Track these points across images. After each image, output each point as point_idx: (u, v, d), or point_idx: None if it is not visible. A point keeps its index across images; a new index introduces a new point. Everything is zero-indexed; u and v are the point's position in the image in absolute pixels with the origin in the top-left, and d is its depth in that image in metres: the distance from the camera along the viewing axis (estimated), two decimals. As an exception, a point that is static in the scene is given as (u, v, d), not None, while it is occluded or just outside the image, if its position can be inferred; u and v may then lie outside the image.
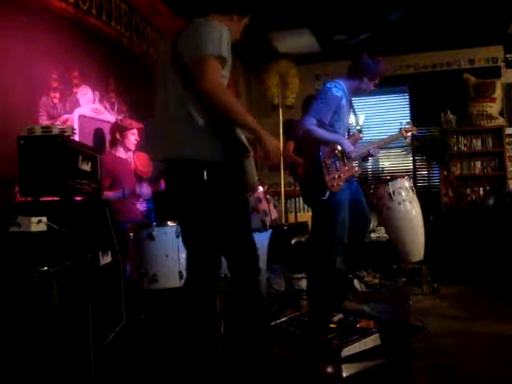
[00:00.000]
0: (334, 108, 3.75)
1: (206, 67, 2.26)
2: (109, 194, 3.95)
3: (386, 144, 4.36)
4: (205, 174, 2.34)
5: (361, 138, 4.05)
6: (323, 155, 3.74)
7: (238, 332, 2.57)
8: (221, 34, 2.33)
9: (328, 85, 3.85)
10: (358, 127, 4.07)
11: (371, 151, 4.11)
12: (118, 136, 4.15)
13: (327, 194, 3.69)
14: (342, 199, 3.79)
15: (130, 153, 4.28)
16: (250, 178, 2.46)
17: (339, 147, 3.78)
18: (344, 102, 3.83)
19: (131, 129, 4.16)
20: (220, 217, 2.42)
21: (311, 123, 3.69)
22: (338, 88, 3.81)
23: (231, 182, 2.41)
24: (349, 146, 3.82)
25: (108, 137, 4.30)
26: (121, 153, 4.20)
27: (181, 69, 2.38)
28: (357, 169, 3.95)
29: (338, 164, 3.79)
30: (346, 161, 3.84)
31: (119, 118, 4.34)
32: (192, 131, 2.36)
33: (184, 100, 2.37)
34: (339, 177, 3.76)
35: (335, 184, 3.73)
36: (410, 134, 4.39)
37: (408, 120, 4.43)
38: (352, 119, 4.09)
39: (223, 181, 2.39)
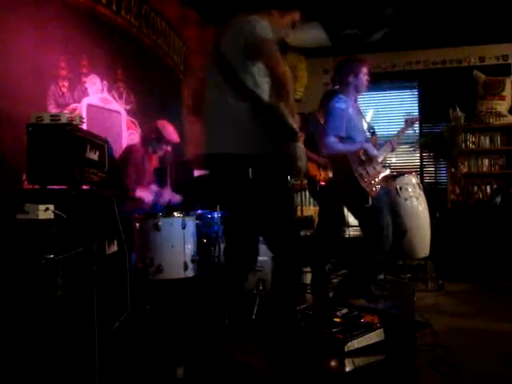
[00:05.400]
0: (345, 119, 3.77)
1: (269, 50, 2.39)
2: (142, 195, 4.10)
3: (401, 137, 4.32)
4: (250, 170, 2.39)
5: (378, 140, 4.05)
6: (355, 166, 3.75)
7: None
8: (263, 23, 2.44)
9: (331, 102, 3.91)
10: (371, 130, 4.07)
11: (393, 145, 4.09)
12: (155, 142, 4.24)
13: (370, 200, 3.70)
14: (382, 202, 3.79)
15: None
16: (300, 162, 2.44)
17: (364, 153, 3.80)
18: (351, 110, 3.85)
19: (169, 142, 4.29)
20: (268, 205, 2.46)
21: (332, 141, 3.72)
22: (341, 100, 3.84)
23: (278, 172, 2.45)
24: (373, 150, 3.84)
25: (131, 125, 4.46)
26: (149, 151, 4.29)
27: (223, 65, 2.44)
28: (386, 170, 3.95)
29: (368, 169, 3.79)
30: (374, 164, 3.84)
31: (161, 121, 4.35)
32: (236, 125, 2.42)
33: (226, 94, 2.44)
34: (374, 181, 3.76)
35: (373, 189, 3.73)
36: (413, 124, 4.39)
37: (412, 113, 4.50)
38: (365, 125, 4.08)
39: (269, 172, 2.43)
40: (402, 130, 4.31)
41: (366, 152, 3.79)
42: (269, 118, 2.38)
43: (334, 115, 3.79)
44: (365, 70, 3.91)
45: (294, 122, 2.40)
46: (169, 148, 4.33)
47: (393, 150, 4.13)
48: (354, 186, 3.72)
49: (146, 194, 4.14)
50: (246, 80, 2.43)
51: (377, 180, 3.78)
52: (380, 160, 3.95)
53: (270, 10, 2.64)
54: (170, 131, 4.29)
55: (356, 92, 3.94)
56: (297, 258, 2.55)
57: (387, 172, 3.96)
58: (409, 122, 4.33)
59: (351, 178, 3.72)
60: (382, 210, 3.77)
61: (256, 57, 2.42)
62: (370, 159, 3.82)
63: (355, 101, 4.00)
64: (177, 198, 4.33)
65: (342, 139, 3.75)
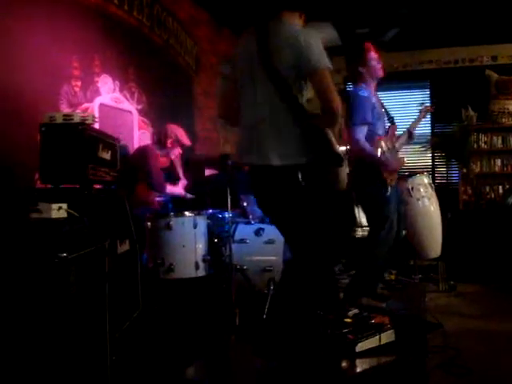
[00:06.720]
0: (370, 106, 3.79)
1: (326, 81, 2.36)
2: (173, 191, 4.29)
3: (416, 126, 4.35)
4: (299, 175, 2.40)
5: (396, 128, 4.10)
6: (377, 155, 3.79)
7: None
8: (321, 45, 2.41)
9: (353, 91, 3.99)
10: (390, 119, 4.12)
11: (412, 132, 4.20)
12: (169, 144, 4.28)
13: (389, 189, 3.75)
14: (393, 195, 3.86)
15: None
16: (341, 183, 2.51)
17: (386, 143, 3.87)
18: (373, 100, 3.88)
19: (183, 145, 4.36)
20: (305, 211, 2.46)
21: (361, 136, 3.73)
22: (362, 88, 3.87)
23: (322, 182, 2.48)
24: (393, 164, 3.83)
25: (142, 125, 4.60)
26: (160, 154, 4.33)
27: (277, 82, 2.41)
28: (403, 159, 4.06)
29: (390, 159, 3.83)
30: (393, 154, 3.91)
31: (171, 125, 4.38)
32: (284, 138, 2.42)
33: (280, 111, 2.43)
34: (393, 170, 3.82)
35: (392, 178, 3.80)
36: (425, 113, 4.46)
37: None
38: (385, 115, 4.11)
39: (315, 180, 2.45)
40: (418, 119, 4.38)
41: (387, 141, 3.84)
42: (317, 142, 2.39)
43: (359, 103, 3.80)
44: (372, 54, 3.91)
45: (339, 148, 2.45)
46: (181, 150, 4.39)
47: (411, 137, 4.20)
48: (376, 175, 3.75)
49: (177, 189, 4.35)
50: (300, 99, 2.43)
51: (396, 170, 3.86)
52: (398, 148, 4.01)
53: (300, 12, 2.62)
54: (182, 134, 4.34)
55: (373, 79, 3.93)
56: (320, 266, 2.54)
57: (404, 161, 4.07)
58: (424, 111, 4.39)
59: (374, 167, 3.74)
60: (391, 203, 3.81)
61: (311, 83, 2.42)
62: (391, 149, 3.86)
63: (375, 90, 4.00)
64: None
65: (369, 125, 3.77)
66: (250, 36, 2.55)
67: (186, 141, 4.36)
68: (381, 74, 3.94)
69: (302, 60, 2.36)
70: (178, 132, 4.32)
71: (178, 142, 4.30)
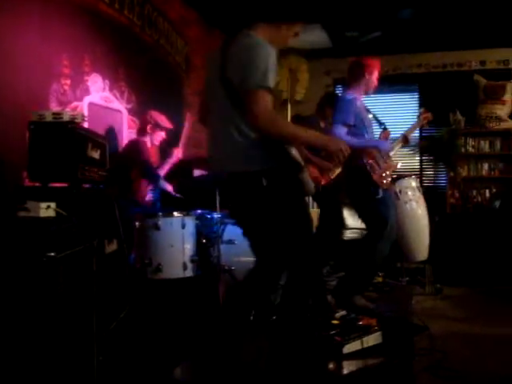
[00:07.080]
0: (353, 110, 3.82)
1: (254, 104, 2.28)
2: (166, 187, 4.38)
3: (413, 131, 4.44)
4: (264, 180, 2.37)
5: (389, 134, 4.15)
6: (366, 158, 3.81)
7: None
8: (267, 63, 2.30)
9: (341, 95, 4.16)
10: (382, 126, 4.17)
11: (408, 138, 4.27)
12: (148, 129, 4.33)
13: (380, 192, 3.77)
14: (389, 195, 3.92)
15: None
16: (307, 185, 2.49)
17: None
18: (359, 103, 3.92)
19: (163, 128, 4.39)
20: (280, 218, 2.43)
21: (341, 131, 3.75)
22: (349, 94, 3.94)
23: (289, 186, 2.43)
24: (386, 145, 3.95)
25: (132, 124, 4.63)
26: (147, 143, 4.36)
27: (230, 91, 2.39)
28: (396, 164, 4.10)
29: (379, 162, 3.85)
30: (385, 158, 3.94)
31: (152, 111, 4.42)
32: (243, 145, 2.38)
33: (234, 118, 2.39)
34: (385, 174, 3.85)
35: (384, 181, 3.82)
36: (426, 120, 4.45)
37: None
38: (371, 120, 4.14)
39: (281, 185, 2.41)
40: (416, 125, 4.44)
41: (379, 148, 3.87)
42: (274, 149, 2.39)
43: (343, 104, 3.87)
44: (376, 71, 3.98)
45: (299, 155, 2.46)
46: (163, 134, 4.42)
47: (407, 142, 4.27)
48: (366, 178, 3.77)
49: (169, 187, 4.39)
50: None
51: (387, 173, 3.86)
52: (392, 154, 4.07)
53: (279, 23, 2.60)
54: (162, 119, 4.40)
55: (365, 91, 4.00)
56: (304, 271, 2.51)
57: (397, 165, 4.12)
58: (422, 118, 4.41)
59: (363, 171, 3.77)
60: (388, 203, 3.85)
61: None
62: (382, 154, 3.90)
63: (361, 97, 4.05)
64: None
65: (350, 128, 3.78)
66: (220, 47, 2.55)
67: (167, 124, 4.41)
68: (371, 92, 4.03)
69: (243, 75, 2.31)
70: (158, 117, 4.38)
71: (158, 127, 4.35)
